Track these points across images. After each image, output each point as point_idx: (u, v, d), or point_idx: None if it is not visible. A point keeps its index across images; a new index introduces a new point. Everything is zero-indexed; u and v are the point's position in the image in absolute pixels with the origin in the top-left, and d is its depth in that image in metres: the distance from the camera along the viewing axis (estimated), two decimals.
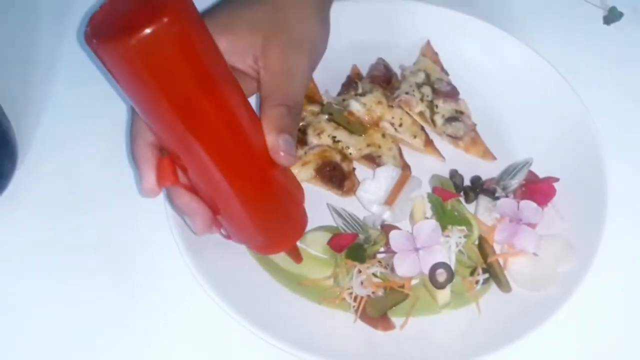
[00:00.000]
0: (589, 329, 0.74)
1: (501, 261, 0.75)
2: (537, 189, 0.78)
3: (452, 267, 0.71)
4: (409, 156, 0.83)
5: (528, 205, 0.76)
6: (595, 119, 0.82)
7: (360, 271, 0.72)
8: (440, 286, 0.71)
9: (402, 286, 0.72)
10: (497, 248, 0.76)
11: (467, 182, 0.82)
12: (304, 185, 0.80)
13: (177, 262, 0.73)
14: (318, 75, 0.87)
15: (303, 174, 0.80)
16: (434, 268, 0.71)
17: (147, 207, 0.77)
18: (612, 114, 0.88)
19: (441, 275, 0.71)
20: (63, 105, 0.86)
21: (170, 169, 0.63)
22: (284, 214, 0.70)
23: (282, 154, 0.62)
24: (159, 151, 0.64)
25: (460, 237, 0.74)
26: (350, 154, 0.82)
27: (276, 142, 0.62)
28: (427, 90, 0.85)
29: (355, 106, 0.83)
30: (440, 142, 0.85)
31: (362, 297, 0.72)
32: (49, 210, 0.79)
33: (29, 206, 0.79)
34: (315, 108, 0.84)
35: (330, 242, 0.74)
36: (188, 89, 0.55)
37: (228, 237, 0.71)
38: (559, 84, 0.85)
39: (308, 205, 0.79)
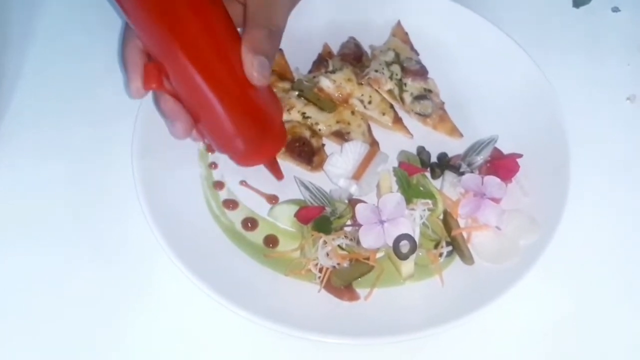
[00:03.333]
0: (548, 300, 0.76)
1: (465, 234, 0.77)
2: (501, 165, 0.80)
3: (416, 239, 0.73)
4: (378, 133, 0.85)
5: (492, 180, 0.78)
6: (561, 97, 0.84)
7: (325, 243, 0.73)
8: (404, 257, 0.72)
9: (368, 258, 0.74)
10: (462, 222, 0.78)
11: (434, 159, 0.83)
12: None
13: (147, 234, 0.73)
14: (289, 53, 0.89)
15: None
16: (398, 240, 0.72)
17: (118, 183, 0.78)
18: (578, 94, 0.90)
19: (405, 247, 0.72)
20: (37, 79, 0.86)
21: (155, 73, 0.67)
22: (262, 123, 0.74)
23: (255, 74, 0.67)
24: (147, 57, 0.68)
25: (424, 211, 0.75)
26: (320, 130, 0.83)
27: (251, 62, 0.66)
28: (396, 68, 0.86)
29: (326, 83, 0.84)
30: (408, 120, 0.86)
31: (327, 268, 0.73)
32: (21, 184, 0.79)
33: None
34: (286, 85, 0.85)
35: (297, 214, 0.75)
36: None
37: (210, 148, 0.77)
38: (526, 64, 0.87)
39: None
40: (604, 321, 0.75)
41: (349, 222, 0.76)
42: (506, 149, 0.82)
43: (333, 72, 0.85)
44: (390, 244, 0.72)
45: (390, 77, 0.85)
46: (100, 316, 0.72)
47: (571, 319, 0.75)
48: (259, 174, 0.80)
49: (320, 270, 0.73)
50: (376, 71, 0.85)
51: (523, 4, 0.99)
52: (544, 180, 0.79)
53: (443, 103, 0.87)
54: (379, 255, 0.75)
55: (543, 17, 0.98)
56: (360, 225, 0.73)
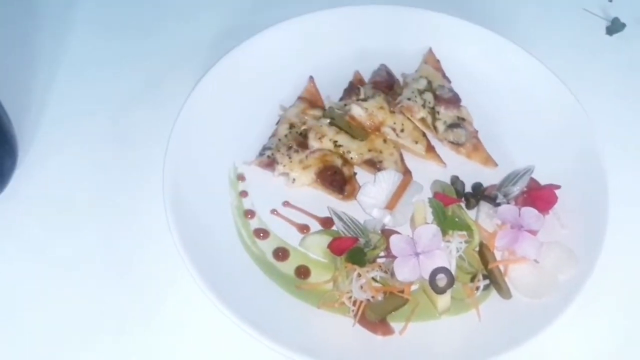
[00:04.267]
0: (589, 337, 0.73)
1: (502, 268, 0.75)
2: (539, 196, 0.78)
3: (453, 272, 0.71)
4: (410, 162, 0.83)
5: (529, 212, 0.76)
6: (597, 126, 0.82)
7: (359, 275, 0.71)
8: (441, 291, 0.70)
9: (402, 291, 0.72)
10: (498, 254, 0.76)
11: (468, 189, 0.82)
12: (305, 189, 0.80)
13: (176, 263, 0.72)
14: (320, 81, 0.88)
15: (304, 177, 0.80)
16: (434, 273, 0.70)
17: (147, 209, 0.77)
18: (614, 123, 0.88)
19: (441, 280, 0.70)
20: (64, 106, 0.86)
21: None
22: None
23: None
24: None
25: (461, 243, 0.73)
26: (352, 158, 0.82)
27: None
28: (429, 96, 0.85)
29: (357, 111, 0.83)
30: (441, 148, 0.85)
31: (361, 302, 0.71)
32: (47, 209, 0.78)
33: (28, 205, 0.78)
34: (317, 112, 0.84)
35: (330, 245, 0.74)
36: None
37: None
38: (561, 92, 0.85)
39: (309, 208, 0.79)
40: None
41: (382, 254, 0.74)
42: (542, 180, 0.80)
43: (365, 99, 0.84)
44: (426, 277, 0.70)
45: (423, 105, 0.84)
46: (127, 343, 0.71)
47: (612, 356, 0.73)
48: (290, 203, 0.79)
49: (354, 304, 0.71)
50: (408, 99, 0.84)
51: (556, 31, 0.98)
52: (582, 211, 0.77)
53: (476, 131, 0.85)
54: (413, 288, 0.73)
55: (576, 45, 0.97)
56: (394, 257, 0.71)
